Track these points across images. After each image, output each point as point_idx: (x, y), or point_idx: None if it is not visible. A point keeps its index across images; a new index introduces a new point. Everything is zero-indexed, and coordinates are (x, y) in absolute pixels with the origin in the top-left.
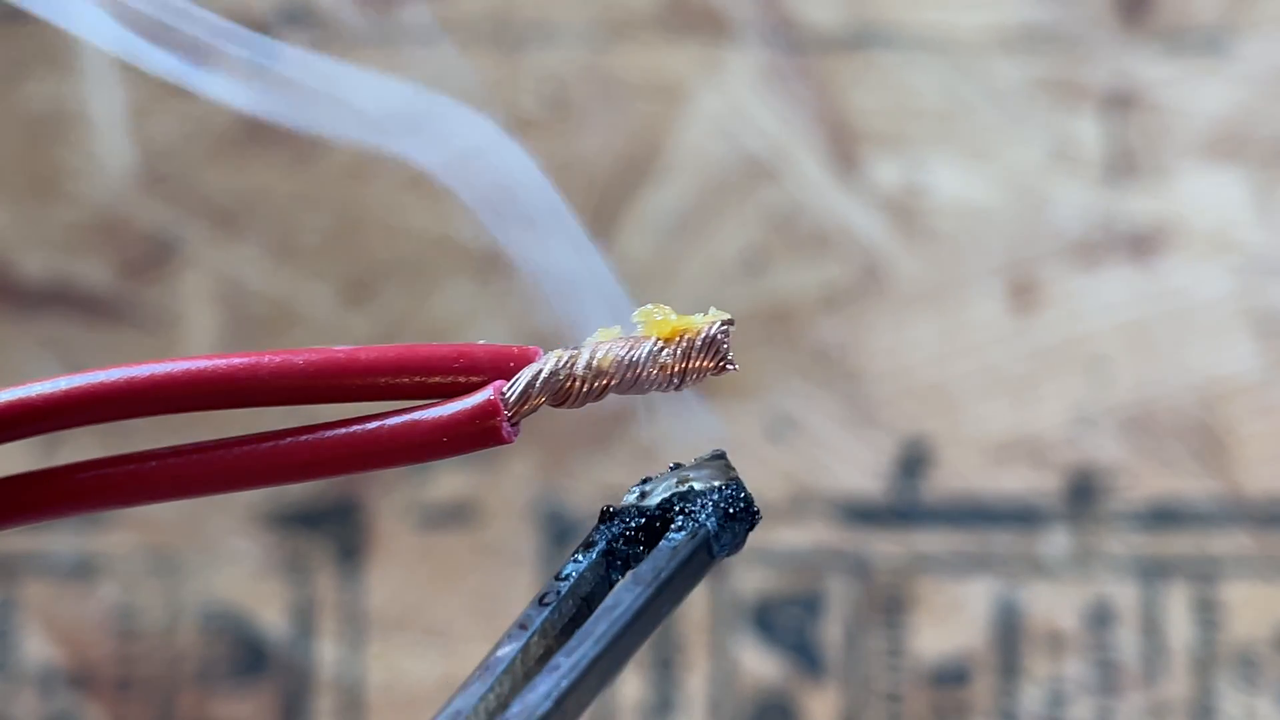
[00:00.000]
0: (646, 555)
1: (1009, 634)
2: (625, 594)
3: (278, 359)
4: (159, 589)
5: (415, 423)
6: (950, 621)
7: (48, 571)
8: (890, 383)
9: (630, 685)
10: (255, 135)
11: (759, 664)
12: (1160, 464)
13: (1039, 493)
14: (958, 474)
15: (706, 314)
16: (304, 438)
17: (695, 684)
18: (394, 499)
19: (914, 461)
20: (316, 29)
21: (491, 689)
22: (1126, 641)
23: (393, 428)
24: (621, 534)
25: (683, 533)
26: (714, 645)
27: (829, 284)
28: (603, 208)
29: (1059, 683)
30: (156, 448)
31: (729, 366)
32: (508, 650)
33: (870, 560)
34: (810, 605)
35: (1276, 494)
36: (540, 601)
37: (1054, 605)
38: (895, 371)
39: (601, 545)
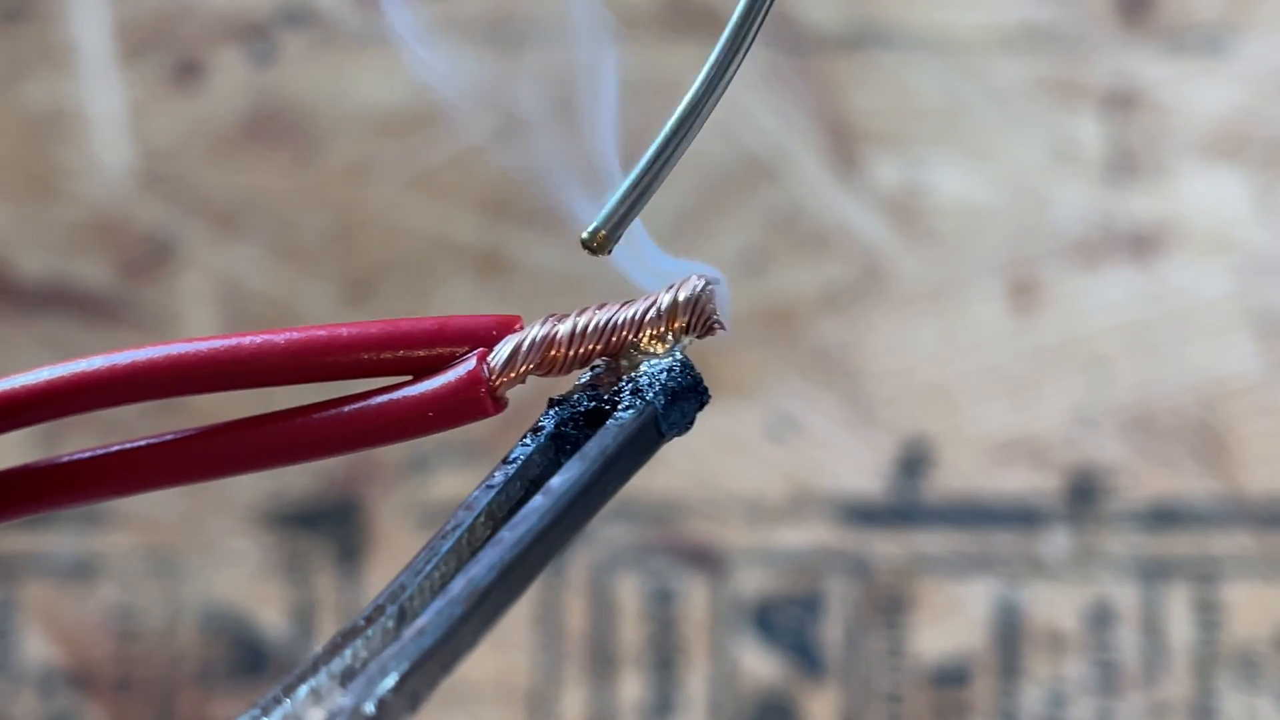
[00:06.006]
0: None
1: (1009, 634)
2: (571, 470)
3: (258, 340)
4: (159, 589)
5: (401, 400)
6: (950, 622)
7: (48, 571)
8: (890, 383)
9: (630, 685)
10: (255, 135)
11: (759, 664)
12: (1160, 464)
13: (1039, 493)
14: (958, 474)
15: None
16: (291, 421)
17: (695, 684)
18: (393, 499)
19: (914, 461)
20: (316, 29)
21: (436, 567)
22: (1127, 641)
23: (379, 406)
24: (570, 418)
25: (630, 411)
26: (714, 645)
27: (829, 284)
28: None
29: (1059, 683)
30: (147, 436)
31: (717, 327)
32: (453, 531)
33: (870, 560)
34: (810, 605)
35: (1277, 494)
36: (487, 485)
37: (1054, 605)
38: (895, 371)
39: (549, 429)
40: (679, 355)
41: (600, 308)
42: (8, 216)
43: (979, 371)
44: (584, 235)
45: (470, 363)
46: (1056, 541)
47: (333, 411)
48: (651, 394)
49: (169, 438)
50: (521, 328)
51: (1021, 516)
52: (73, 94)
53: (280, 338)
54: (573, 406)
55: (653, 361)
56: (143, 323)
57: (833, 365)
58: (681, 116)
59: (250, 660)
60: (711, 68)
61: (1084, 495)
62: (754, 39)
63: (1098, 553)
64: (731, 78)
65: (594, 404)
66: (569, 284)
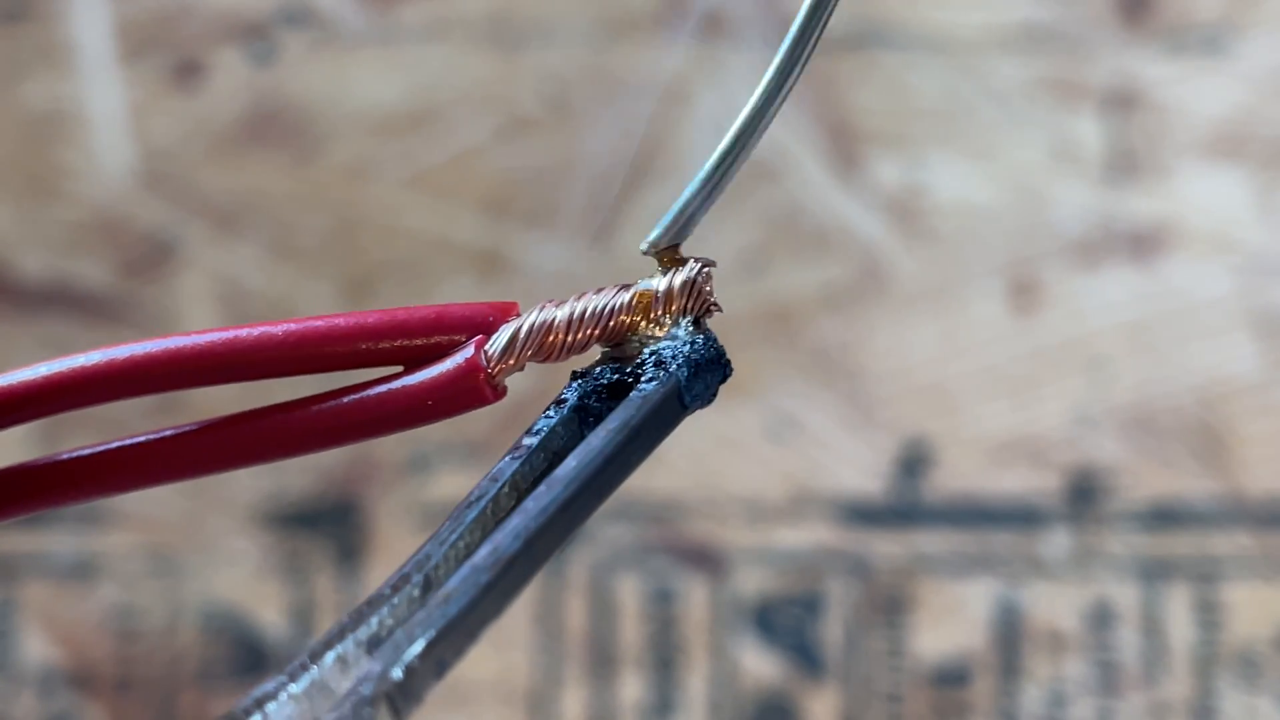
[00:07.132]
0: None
1: (1009, 634)
2: (595, 440)
3: (256, 332)
4: (159, 589)
5: (399, 389)
6: (950, 622)
7: (48, 571)
8: (890, 383)
9: (630, 686)
10: (255, 135)
11: (759, 664)
12: (1160, 464)
13: (1039, 493)
14: (958, 474)
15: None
16: (290, 413)
17: (695, 684)
18: (393, 499)
19: (914, 461)
20: (316, 29)
21: (461, 536)
22: (1127, 641)
23: (378, 396)
24: (593, 390)
25: (653, 383)
26: (714, 645)
27: (829, 284)
28: (603, 208)
29: (1059, 683)
30: (145, 432)
31: (713, 308)
32: (478, 501)
33: (870, 560)
34: (810, 605)
35: (1277, 494)
36: (512, 455)
37: (1054, 605)
38: (895, 371)
39: (573, 401)
40: (705, 329)
41: (597, 292)
42: (8, 216)
43: (979, 371)
44: (643, 246)
45: (468, 350)
46: (1056, 541)
47: (331, 403)
48: (675, 366)
49: (168, 433)
50: (519, 314)
51: (1021, 516)
52: (73, 94)
53: (278, 329)
54: (595, 379)
55: (676, 334)
56: (143, 323)
57: (833, 365)
58: (744, 125)
59: (250, 660)
60: (772, 78)
61: (1084, 495)
62: (814, 49)
63: (1098, 553)
64: (792, 87)
65: (617, 376)
66: (569, 284)
